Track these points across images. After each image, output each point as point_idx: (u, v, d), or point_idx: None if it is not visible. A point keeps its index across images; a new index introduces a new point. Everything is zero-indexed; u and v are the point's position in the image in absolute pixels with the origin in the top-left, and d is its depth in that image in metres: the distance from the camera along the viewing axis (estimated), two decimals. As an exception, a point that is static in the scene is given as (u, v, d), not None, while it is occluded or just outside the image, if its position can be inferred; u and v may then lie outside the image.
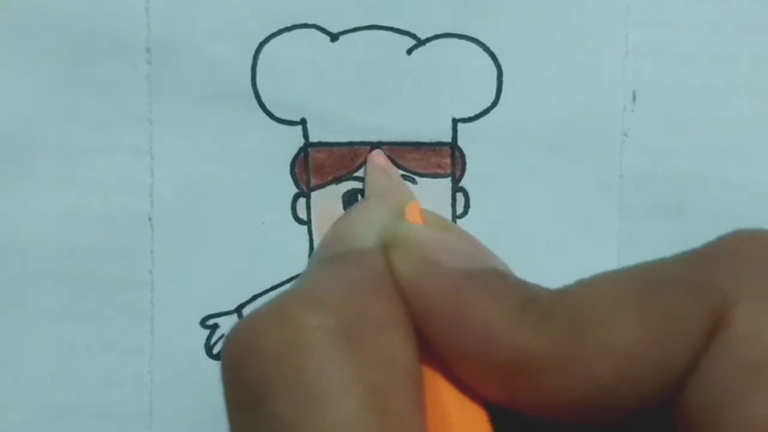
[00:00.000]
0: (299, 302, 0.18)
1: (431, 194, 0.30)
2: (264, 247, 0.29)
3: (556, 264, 0.30)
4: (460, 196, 0.30)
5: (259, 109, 0.29)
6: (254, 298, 0.29)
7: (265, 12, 0.29)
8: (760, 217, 0.30)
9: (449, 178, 0.30)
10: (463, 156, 0.30)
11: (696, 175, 0.30)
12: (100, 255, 0.29)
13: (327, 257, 0.21)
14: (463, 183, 0.30)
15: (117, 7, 0.28)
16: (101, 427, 0.29)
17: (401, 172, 0.29)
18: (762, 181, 0.30)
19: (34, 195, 0.29)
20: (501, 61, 0.29)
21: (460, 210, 0.30)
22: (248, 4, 0.29)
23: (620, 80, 0.29)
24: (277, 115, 0.29)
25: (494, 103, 0.29)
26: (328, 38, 0.29)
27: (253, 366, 0.18)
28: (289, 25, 0.29)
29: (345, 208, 0.30)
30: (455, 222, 0.30)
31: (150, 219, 0.29)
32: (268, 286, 0.29)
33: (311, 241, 0.30)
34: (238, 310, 0.29)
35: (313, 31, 0.29)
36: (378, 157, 0.29)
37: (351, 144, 0.29)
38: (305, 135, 0.29)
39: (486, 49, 0.29)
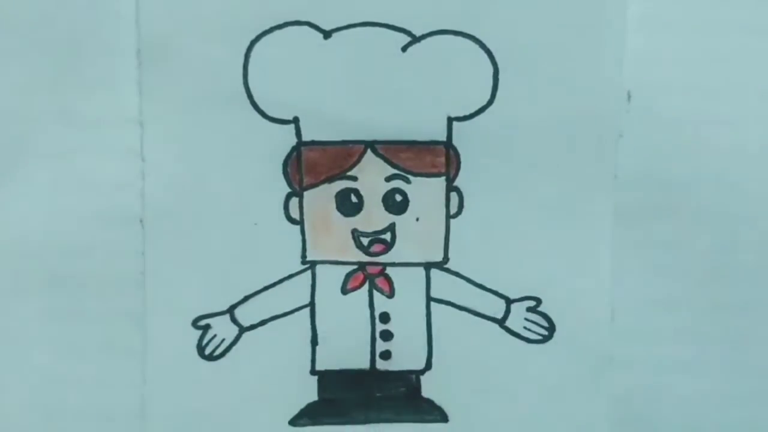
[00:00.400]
0: None
1: (425, 193, 0.29)
2: (256, 247, 0.29)
3: (550, 264, 0.30)
4: (454, 195, 0.29)
5: (251, 108, 0.29)
6: (246, 298, 0.29)
7: (257, 10, 0.28)
8: (755, 217, 0.30)
9: (443, 177, 0.29)
10: (457, 155, 0.29)
11: (690, 176, 0.29)
12: (92, 256, 0.29)
13: None
14: (457, 182, 0.29)
15: (106, 8, 0.28)
16: (94, 427, 0.29)
17: (395, 171, 0.29)
18: (756, 182, 0.30)
19: (26, 197, 0.28)
20: (497, 59, 0.29)
21: (453, 210, 0.29)
22: (239, 2, 0.28)
23: (616, 80, 0.29)
24: (269, 114, 0.29)
25: (490, 102, 0.29)
26: (321, 35, 0.29)
27: None
28: (281, 22, 0.28)
29: (338, 207, 0.29)
30: (449, 222, 0.30)
31: (141, 220, 0.29)
32: (261, 287, 0.29)
33: (303, 241, 0.29)
34: (230, 310, 0.29)
35: (305, 28, 0.28)
36: None
37: (344, 143, 0.29)
38: (298, 134, 0.29)
39: (482, 46, 0.29)
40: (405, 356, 0.30)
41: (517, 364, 0.30)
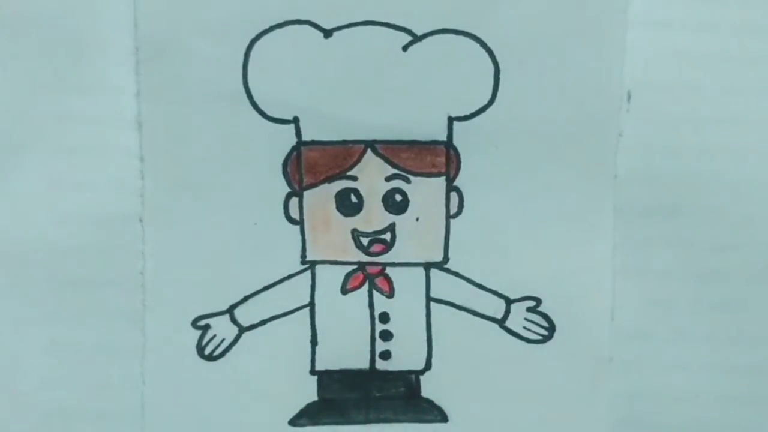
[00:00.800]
0: None
1: (425, 193, 0.29)
2: (256, 247, 0.29)
3: (549, 264, 0.30)
4: (454, 195, 0.29)
5: (251, 107, 0.28)
6: (246, 298, 0.29)
7: (256, 8, 0.28)
8: (754, 217, 0.30)
9: (443, 177, 0.29)
10: (458, 155, 0.29)
11: (691, 175, 0.29)
12: (91, 256, 0.29)
13: None
14: (457, 182, 0.29)
15: (105, 7, 0.28)
16: (93, 428, 0.29)
17: (394, 170, 0.29)
18: (756, 182, 0.30)
19: (25, 197, 0.28)
20: (498, 59, 0.29)
21: (453, 210, 0.29)
22: (238, 1, 0.28)
23: (617, 80, 0.29)
24: (269, 113, 0.29)
25: (491, 101, 0.29)
26: (321, 34, 0.28)
27: None
28: (281, 21, 0.28)
29: (338, 207, 0.29)
30: (449, 221, 0.29)
31: (141, 220, 0.29)
32: (260, 287, 0.29)
33: (303, 241, 0.29)
34: (230, 310, 0.29)
35: (306, 27, 0.28)
36: None
37: (344, 142, 0.29)
38: (298, 133, 0.29)
39: (484, 45, 0.29)
40: (405, 356, 0.30)
41: (517, 364, 0.30)
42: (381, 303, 0.30)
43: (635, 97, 0.29)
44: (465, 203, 0.29)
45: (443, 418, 0.30)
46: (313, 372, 0.30)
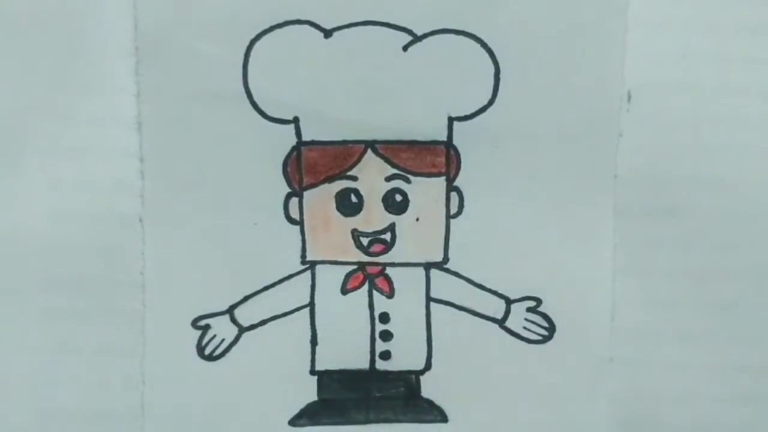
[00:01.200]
0: None
1: (425, 193, 0.29)
2: (256, 247, 0.29)
3: (550, 264, 0.30)
4: (454, 195, 0.29)
5: (251, 107, 0.28)
6: (246, 298, 0.29)
7: (257, 8, 0.28)
8: (754, 217, 0.30)
9: (443, 177, 0.29)
10: (458, 155, 0.29)
11: (691, 176, 0.29)
12: (91, 256, 0.29)
13: None
14: (457, 182, 0.29)
15: (105, 7, 0.28)
16: (93, 428, 0.29)
17: (394, 170, 0.29)
18: (757, 182, 0.30)
19: (25, 196, 0.28)
20: (498, 59, 0.29)
21: (454, 209, 0.29)
22: (238, 1, 0.28)
23: (617, 80, 0.29)
24: (269, 113, 0.29)
25: (491, 102, 0.29)
26: (321, 34, 0.28)
27: None
28: (281, 21, 0.28)
29: (338, 207, 0.29)
30: (449, 222, 0.29)
31: (141, 220, 0.29)
32: (260, 287, 0.29)
33: (303, 241, 0.29)
34: (230, 310, 0.29)
35: (306, 27, 0.28)
36: None
37: (344, 142, 0.29)
38: (298, 133, 0.29)
39: (484, 45, 0.29)
40: (404, 356, 0.30)
41: (517, 364, 0.30)
42: (381, 303, 0.30)
43: (635, 97, 0.29)
44: (465, 203, 0.29)
45: (443, 418, 0.30)
46: (313, 372, 0.30)
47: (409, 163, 0.29)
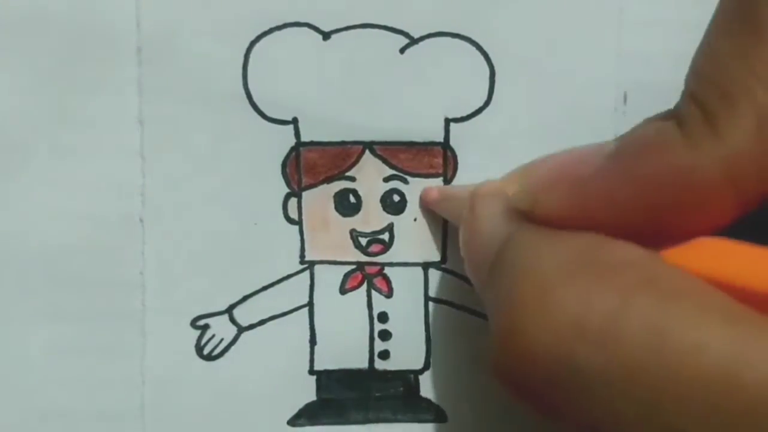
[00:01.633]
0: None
1: (423, 194, 0.30)
2: (255, 247, 0.29)
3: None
4: (452, 196, 0.30)
5: (251, 108, 0.29)
6: (245, 298, 0.29)
7: (257, 10, 0.29)
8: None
9: (441, 178, 0.30)
10: (455, 156, 0.30)
11: (687, 176, 0.30)
12: (91, 256, 0.29)
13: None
14: (454, 183, 0.30)
15: (107, 7, 0.28)
16: (93, 428, 0.29)
17: (392, 171, 0.29)
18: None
19: (25, 196, 0.28)
20: (494, 61, 0.29)
21: (452, 210, 0.30)
22: (239, 3, 0.28)
23: (612, 81, 0.29)
24: (269, 114, 0.29)
25: (486, 103, 0.29)
26: (320, 37, 0.29)
27: None
28: (280, 23, 0.29)
29: (336, 207, 0.29)
30: (447, 222, 0.30)
31: (141, 220, 0.29)
32: (259, 287, 0.29)
33: (302, 241, 0.29)
34: (229, 310, 0.29)
35: (305, 29, 0.29)
36: (430, 193, 0.29)
37: (343, 143, 0.29)
38: (297, 134, 0.29)
39: (479, 48, 0.29)
40: (403, 356, 0.30)
41: (515, 363, 0.30)
42: (379, 303, 0.30)
43: (631, 99, 0.29)
44: (462, 204, 0.30)
45: (442, 417, 0.30)
46: (311, 372, 0.30)
47: (406, 164, 0.30)
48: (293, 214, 0.29)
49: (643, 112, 0.30)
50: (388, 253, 0.30)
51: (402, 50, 0.29)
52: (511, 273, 0.20)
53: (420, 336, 0.30)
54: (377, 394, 0.30)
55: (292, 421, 0.30)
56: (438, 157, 0.30)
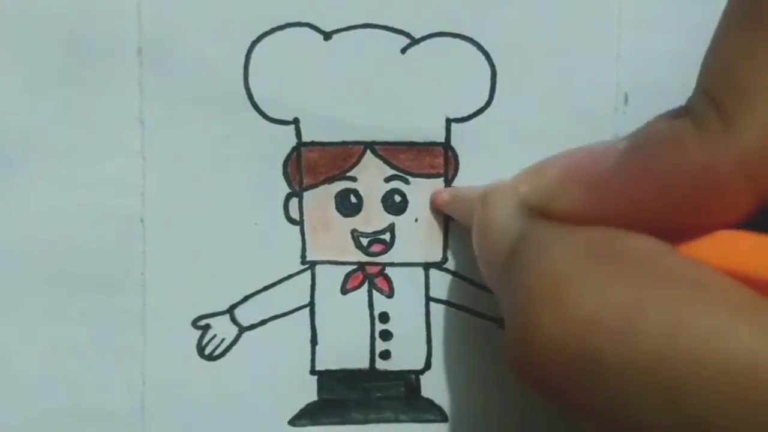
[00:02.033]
0: None
1: (424, 194, 0.30)
2: (256, 247, 0.29)
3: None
4: (453, 196, 0.30)
5: (252, 108, 0.29)
6: (246, 298, 0.29)
7: (258, 11, 0.29)
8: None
9: (442, 178, 0.30)
10: (456, 156, 0.30)
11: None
12: (92, 256, 0.29)
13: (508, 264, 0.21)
14: (455, 183, 0.30)
15: (108, 7, 0.28)
16: (94, 428, 0.29)
17: (393, 171, 0.29)
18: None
19: (26, 196, 0.28)
20: (495, 61, 0.29)
21: (453, 210, 0.30)
22: (240, 3, 0.28)
23: (612, 82, 0.29)
24: (270, 114, 0.29)
25: (488, 104, 0.29)
26: (321, 37, 0.29)
27: None
28: (281, 23, 0.29)
29: (337, 208, 0.29)
30: (448, 222, 0.30)
31: (142, 220, 0.29)
32: (261, 287, 0.29)
33: (303, 241, 0.29)
34: (230, 310, 0.29)
35: (306, 29, 0.29)
36: (441, 196, 0.29)
37: (344, 143, 0.29)
38: (298, 134, 0.29)
39: (480, 48, 0.29)
40: (404, 356, 0.30)
41: (516, 363, 0.30)
42: (381, 303, 0.30)
43: (632, 99, 0.30)
44: (463, 204, 0.30)
45: (443, 417, 0.30)
46: (313, 372, 0.30)
47: (407, 165, 0.30)
48: (294, 214, 0.29)
49: (644, 113, 0.29)
50: (389, 253, 0.30)
51: (403, 50, 0.29)
52: (526, 268, 0.20)
53: (421, 336, 0.30)
54: (378, 395, 0.30)
55: (293, 421, 0.30)
56: (439, 157, 0.30)
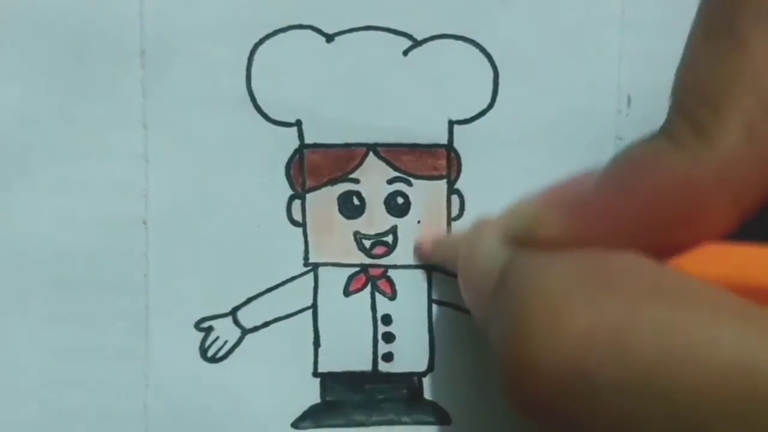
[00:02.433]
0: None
1: (426, 196, 0.30)
2: (259, 249, 0.29)
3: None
4: (455, 198, 0.30)
5: (254, 110, 0.29)
6: (249, 300, 0.29)
7: (260, 13, 0.29)
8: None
9: (444, 180, 0.30)
10: (458, 158, 0.30)
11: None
12: (95, 259, 0.29)
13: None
14: (458, 185, 0.30)
15: (110, 9, 0.28)
16: (96, 430, 0.29)
17: (396, 173, 0.29)
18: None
19: (29, 199, 0.28)
20: (497, 63, 0.29)
21: (455, 212, 0.30)
22: (242, 5, 0.28)
23: (615, 84, 0.29)
24: (272, 116, 0.29)
25: (490, 105, 0.29)
26: (323, 39, 0.29)
27: None
28: (284, 26, 0.29)
29: (340, 210, 0.29)
30: (450, 225, 0.30)
31: (145, 222, 0.29)
32: (263, 289, 0.29)
33: (306, 243, 0.29)
34: (233, 312, 0.29)
35: (308, 31, 0.29)
36: (423, 246, 0.29)
37: (347, 145, 0.29)
38: (300, 136, 0.29)
39: (483, 50, 0.29)
40: (407, 358, 0.30)
41: (519, 365, 0.30)
42: (383, 305, 0.30)
43: (634, 101, 0.29)
44: (466, 206, 0.30)
45: (446, 419, 0.30)
46: (315, 374, 0.30)
47: (410, 166, 0.30)
48: (297, 216, 0.29)
49: (647, 115, 0.30)
50: (391, 255, 0.30)
51: (405, 52, 0.29)
52: (516, 294, 0.20)
53: (424, 338, 0.30)
54: (381, 397, 0.30)
55: (296, 424, 0.30)
56: (442, 159, 0.30)
